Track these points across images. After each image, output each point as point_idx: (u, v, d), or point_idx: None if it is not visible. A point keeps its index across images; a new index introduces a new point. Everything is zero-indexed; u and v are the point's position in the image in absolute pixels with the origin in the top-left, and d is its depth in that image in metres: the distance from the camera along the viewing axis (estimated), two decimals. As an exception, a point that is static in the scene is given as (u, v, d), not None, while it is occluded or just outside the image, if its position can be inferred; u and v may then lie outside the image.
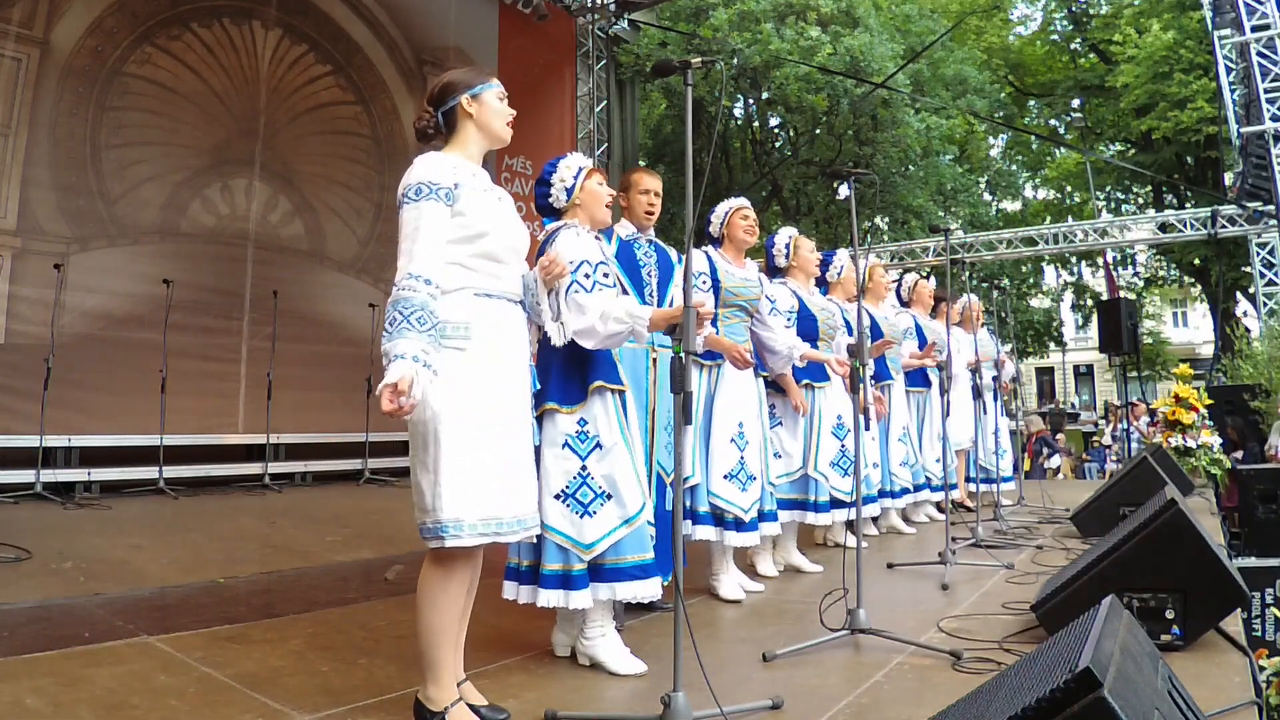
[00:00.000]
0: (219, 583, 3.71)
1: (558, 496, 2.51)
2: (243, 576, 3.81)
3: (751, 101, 16.19)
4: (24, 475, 6.01)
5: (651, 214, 3.12)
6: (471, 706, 2.10)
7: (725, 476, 3.43)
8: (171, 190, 7.58)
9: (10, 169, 6.61)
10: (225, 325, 7.75)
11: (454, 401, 1.97)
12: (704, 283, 3.48)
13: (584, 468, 2.51)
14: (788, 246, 4.21)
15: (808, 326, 4.10)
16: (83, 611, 3.12)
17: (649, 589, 2.52)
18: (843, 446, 4.19)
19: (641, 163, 15.40)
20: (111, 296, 7.06)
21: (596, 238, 2.76)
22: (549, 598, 2.47)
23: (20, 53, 6.71)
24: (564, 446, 2.52)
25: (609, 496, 2.50)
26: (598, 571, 2.49)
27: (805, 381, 4.06)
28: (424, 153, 2.13)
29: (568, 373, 2.56)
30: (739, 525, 3.44)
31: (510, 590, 2.56)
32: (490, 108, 2.19)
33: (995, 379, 6.17)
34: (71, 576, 3.64)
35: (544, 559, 2.49)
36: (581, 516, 2.48)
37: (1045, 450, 12.24)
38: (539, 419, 2.57)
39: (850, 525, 4.24)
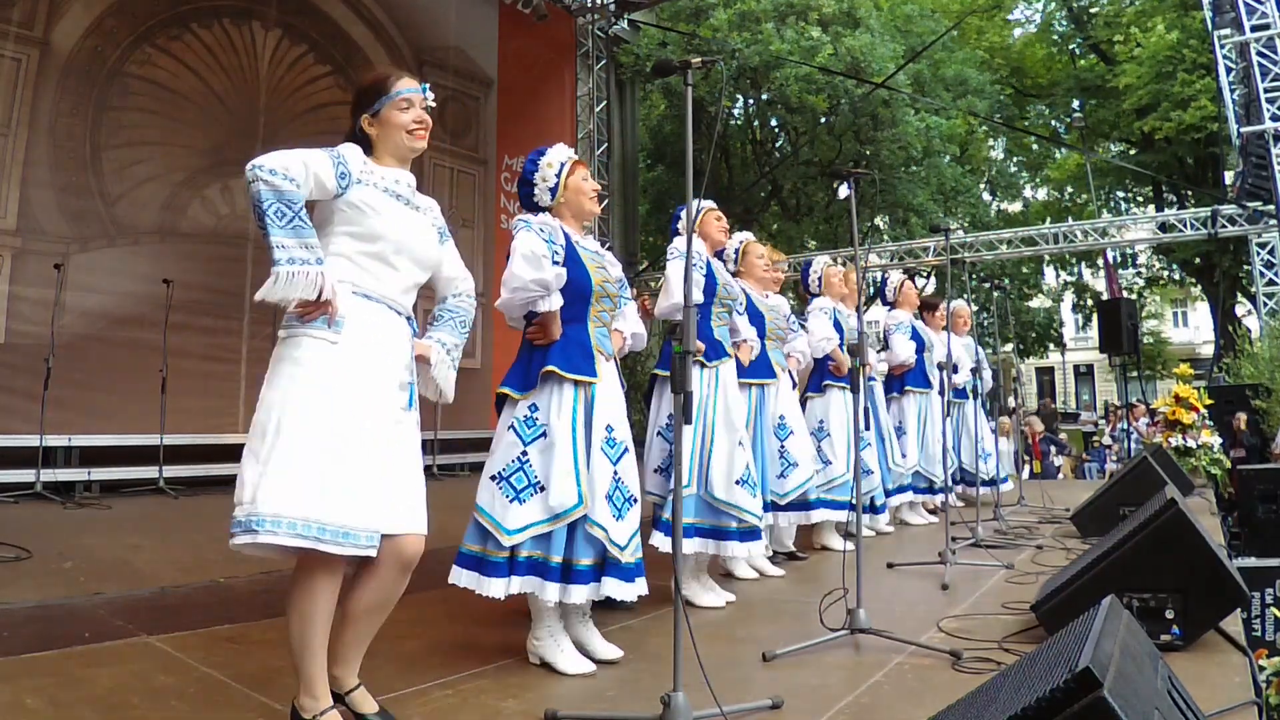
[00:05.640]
0: (219, 583, 3.71)
1: (493, 478, 2.49)
2: (243, 576, 3.80)
3: (751, 102, 16.18)
4: (24, 475, 6.01)
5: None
6: (361, 716, 2.01)
7: (738, 482, 3.27)
8: (171, 190, 7.59)
9: (10, 169, 6.61)
10: (225, 325, 7.75)
11: (307, 395, 1.86)
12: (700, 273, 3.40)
13: (524, 454, 2.48)
14: (736, 251, 4.16)
15: (754, 325, 4.02)
16: (83, 611, 3.12)
17: (545, 591, 2.42)
18: (782, 447, 4.02)
19: (642, 163, 15.42)
20: (111, 296, 7.06)
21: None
22: (459, 576, 2.45)
23: (20, 53, 6.71)
24: (510, 429, 2.52)
25: (541, 488, 2.45)
26: (505, 564, 2.43)
27: (752, 380, 3.95)
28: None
29: (525, 359, 2.58)
30: (745, 534, 3.29)
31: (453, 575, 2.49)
32: (389, 124, 2.09)
33: (975, 385, 6.10)
34: (71, 576, 3.64)
35: (465, 537, 2.48)
36: (510, 501, 2.45)
37: (1053, 449, 12.26)
38: (499, 404, 2.58)
39: (841, 525, 4.24)
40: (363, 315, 1.98)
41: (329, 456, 1.84)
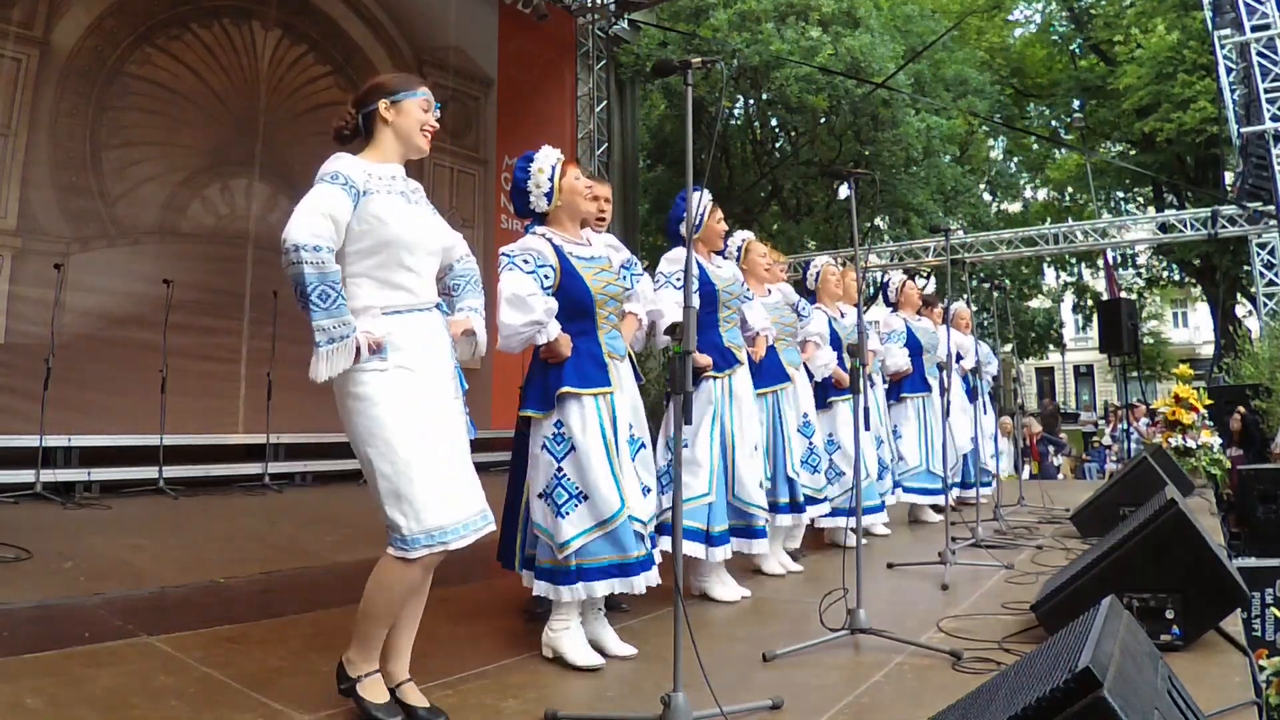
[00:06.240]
0: (219, 583, 3.71)
1: (540, 495, 2.57)
2: (243, 576, 3.80)
3: (751, 102, 16.18)
4: (24, 475, 6.01)
5: (603, 220, 3.08)
6: (410, 707, 2.08)
7: (758, 485, 3.49)
8: (171, 190, 7.59)
9: (10, 169, 6.61)
10: (225, 325, 7.75)
11: (380, 425, 1.98)
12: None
13: (560, 469, 2.55)
14: (739, 249, 4.15)
15: None
16: (83, 611, 3.12)
17: (626, 586, 2.55)
18: (811, 444, 4.17)
19: (642, 163, 15.41)
20: (111, 296, 7.06)
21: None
22: (540, 587, 2.58)
23: (20, 53, 6.71)
24: (543, 449, 2.58)
25: (584, 498, 2.52)
26: (573, 571, 2.52)
27: (767, 388, 3.96)
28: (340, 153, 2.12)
29: (540, 379, 2.62)
30: (763, 532, 3.52)
31: (525, 578, 2.68)
32: (409, 115, 2.15)
33: (976, 385, 6.10)
34: (71, 576, 3.64)
35: (538, 553, 2.60)
36: (557, 516, 2.52)
37: (1053, 449, 12.26)
38: (520, 425, 2.66)
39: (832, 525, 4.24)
40: (399, 331, 2.05)
41: (419, 471, 1.98)
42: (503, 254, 2.60)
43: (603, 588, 2.53)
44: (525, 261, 2.56)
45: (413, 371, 2.04)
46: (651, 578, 2.61)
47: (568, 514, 2.51)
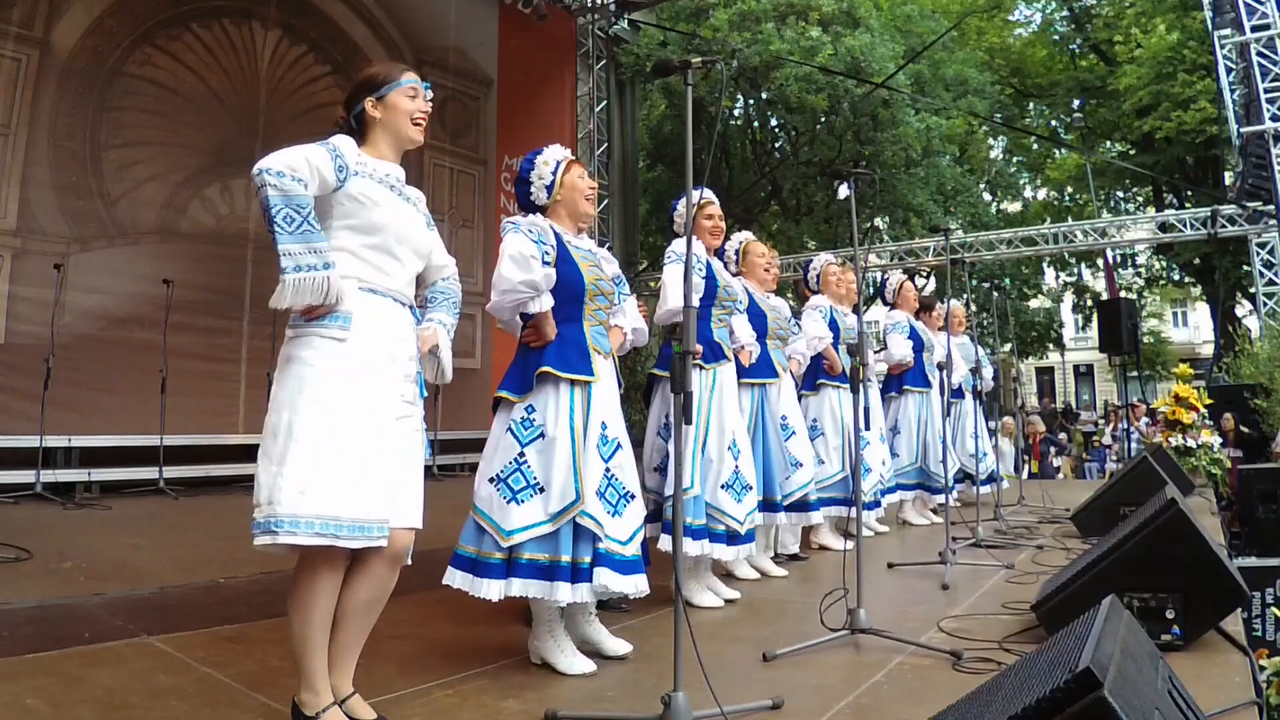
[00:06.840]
0: (219, 583, 3.71)
1: (491, 479, 2.49)
2: (243, 576, 3.80)
3: (751, 102, 16.19)
4: (24, 475, 6.02)
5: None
6: None
7: (723, 486, 3.33)
8: (171, 190, 7.59)
9: (10, 169, 6.61)
10: (225, 325, 7.76)
11: (318, 393, 1.87)
12: (700, 271, 3.38)
13: (522, 454, 2.48)
14: (737, 252, 4.15)
15: (756, 325, 4.01)
16: (83, 611, 3.12)
17: (546, 591, 2.41)
18: (785, 448, 4.01)
19: (642, 163, 15.41)
20: (111, 296, 7.06)
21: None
22: (453, 577, 2.44)
23: (20, 53, 6.72)
24: (508, 432, 2.51)
25: (541, 489, 2.45)
26: (500, 565, 2.42)
27: (754, 380, 3.92)
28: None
29: (521, 361, 2.57)
30: (731, 538, 3.34)
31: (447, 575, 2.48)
32: (396, 110, 2.09)
33: (974, 384, 6.09)
34: (71, 576, 3.64)
35: (460, 538, 2.47)
36: (509, 502, 2.44)
37: (1053, 450, 12.28)
38: (495, 407, 2.58)
39: (840, 523, 4.23)
40: (369, 311, 1.98)
41: (340, 453, 1.86)
42: (508, 221, 2.59)
43: (530, 588, 2.40)
44: (530, 230, 2.55)
45: (369, 355, 1.95)
46: (584, 592, 2.43)
47: (522, 502, 2.43)
